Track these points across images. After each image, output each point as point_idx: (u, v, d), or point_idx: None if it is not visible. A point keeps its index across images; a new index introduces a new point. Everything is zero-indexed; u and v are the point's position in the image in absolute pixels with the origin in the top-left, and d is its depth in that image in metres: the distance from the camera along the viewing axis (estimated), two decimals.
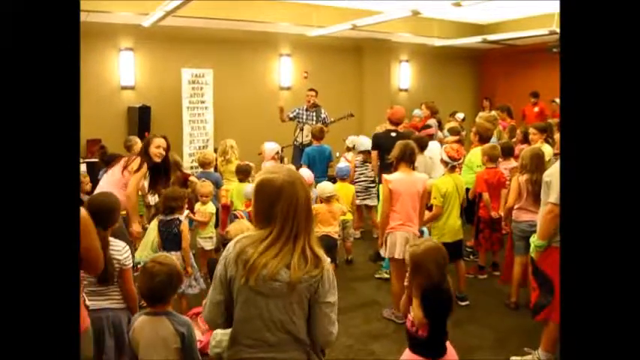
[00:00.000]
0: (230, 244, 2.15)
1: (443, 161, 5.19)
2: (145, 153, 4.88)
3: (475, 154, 6.37)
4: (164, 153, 4.94)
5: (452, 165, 5.19)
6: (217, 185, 6.41)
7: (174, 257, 4.31)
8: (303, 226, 2.08)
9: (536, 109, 10.82)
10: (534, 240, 3.68)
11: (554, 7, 7.86)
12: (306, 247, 2.07)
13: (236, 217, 5.24)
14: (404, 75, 12.73)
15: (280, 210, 2.07)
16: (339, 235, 5.83)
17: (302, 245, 2.07)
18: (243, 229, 3.06)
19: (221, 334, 2.22)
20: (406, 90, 12.78)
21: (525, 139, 7.96)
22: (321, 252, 2.12)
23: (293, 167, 4.62)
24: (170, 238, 4.36)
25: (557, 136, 6.73)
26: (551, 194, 3.57)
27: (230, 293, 2.12)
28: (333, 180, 6.84)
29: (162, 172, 5.04)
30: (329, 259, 2.17)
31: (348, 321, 4.73)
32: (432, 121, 7.81)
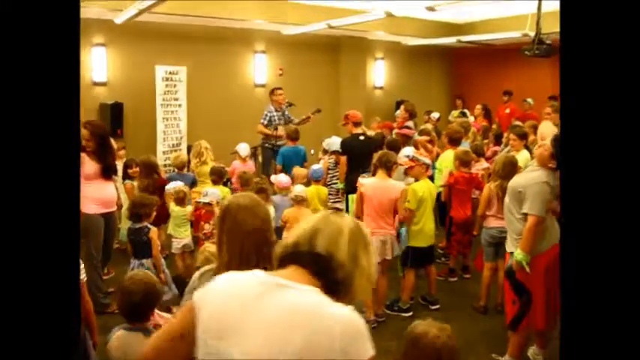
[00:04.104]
0: (195, 277, 2.15)
1: (422, 164, 5.20)
2: None
3: (445, 157, 6.42)
4: (87, 143, 4.71)
5: (427, 165, 5.28)
6: (194, 185, 6.40)
7: (148, 263, 4.34)
8: (252, 251, 2.05)
9: (507, 110, 10.94)
10: (521, 255, 3.71)
11: (529, 9, 7.94)
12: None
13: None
14: (379, 73, 12.75)
15: (225, 236, 2.08)
16: None
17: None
18: (212, 261, 3.03)
19: None
20: (381, 88, 12.81)
21: (497, 141, 8.07)
22: None
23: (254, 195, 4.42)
24: (140, 246, 4.33)
25: (531, 138, 6.84)
26: (526, 205, 3.64)
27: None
28: (308, 182, 6.86)
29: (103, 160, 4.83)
30: None
31: None
32: (410, 124, 7.83)
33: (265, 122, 8.45)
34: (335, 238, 1.53)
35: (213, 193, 5.28)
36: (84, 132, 4.70)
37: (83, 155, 4.69)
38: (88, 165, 4.73)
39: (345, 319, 1.37)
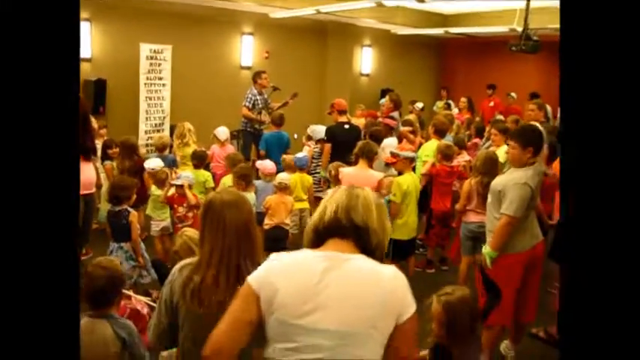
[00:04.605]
0: (175, 269, 2.15)
1: (403, 159, 5.25)
2: None
3: (428, 147, 6.46)
4: None
5: (411, 158, 5.34)
6: (173, 166, 6.35)
7: (127, 246, 4.32)
8: (235, 247, 2.07)
9: (492, 103, 11.03)
10: (487, 250, 3.77)
11: (517, 3, 7.98)
12: (248, 268, 2.04)
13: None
14: (366, 60, 12.72)
15: (207, 231, 2.10)
16: (295, 225, 5.88)
17: (239, 267, 2.07)
18: (190, 246, 3.03)
19: (167, 355, 2.23)
20: (367, 75, 12.80)
21: (478, 134, 8.12)
22: None
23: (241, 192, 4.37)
24: (119, 229, 4.31)
25: None
26: (504, 204, 3.67)
27: (176, 317, 2.12)
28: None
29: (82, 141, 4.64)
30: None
31: None
32: (395, 114, 7.84)
33: (250, 105, 8.32)
34: (367, 211, 1.79)
35: (186, 176, 5.27)
36: None
37: None
38: None
39: (400, 277, 1.71)
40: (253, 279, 1.70)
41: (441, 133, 6.54)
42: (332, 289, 1.63)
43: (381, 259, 1.76)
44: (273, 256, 1.76)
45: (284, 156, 6.58)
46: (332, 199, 1.82)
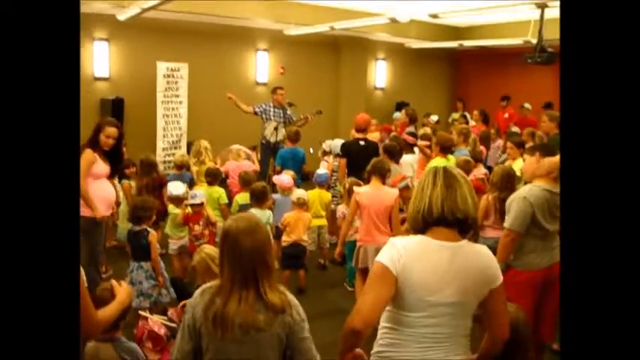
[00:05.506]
0: (197, 293, 2.19)
1: (401, 189, 5.27)
2: (93, 140, 4.55)
3: (431, 165, 6.39)
4: (112, 142, 4.57)
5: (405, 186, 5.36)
6: (191, 185, 6.40)
7: (147, 266, 4.36)
8: (251, 273, 2.11)
9: (506, 114, 10.97)
10: None
11: (531, 15, 7.96)
12: (266, 292, 2.11)
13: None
14: (380, 73, 12.76)
15: (226, 258, 2.15)
16: (313, 242, 5.89)
17: (258, 290, 2.11)
18: (208, 263, 3.07)
19: None
20: (382, 89, 12.83)
21: (482, 142, 8.04)
22: (283, 293, 2.19)
23: (253, 213, 4.32)
24: (139, 249, 4.35)
25: (529, 144, 6.84)
26: (507, 218, 3.67)
27: (199, 342, 2.15)
28: (305, 177, 6.77)
29: (112, 161, 4.73)
30: (293, 300, 2.22)
31: (313, 331, 4.74)
32: (413, 129, 7.82)
33: (258, 110, 8.48)
34: (465, 202, 2.14)
35: (201, 194, 5.31)
36: (113, 131, 4.55)
37: (96, 155, 4.54)
38: (101, 165, 4.58)
39: (491, 254, 2.20)
40: (390, 263, 2.07)
41: (445, 150, 6.43)
42: (454, 272, 2.08)
43: (473, 231, 2.32)
44: (399, 242, 2.12)
45: (286, 171, 6.57)
46: (435, 194, 2.15)
